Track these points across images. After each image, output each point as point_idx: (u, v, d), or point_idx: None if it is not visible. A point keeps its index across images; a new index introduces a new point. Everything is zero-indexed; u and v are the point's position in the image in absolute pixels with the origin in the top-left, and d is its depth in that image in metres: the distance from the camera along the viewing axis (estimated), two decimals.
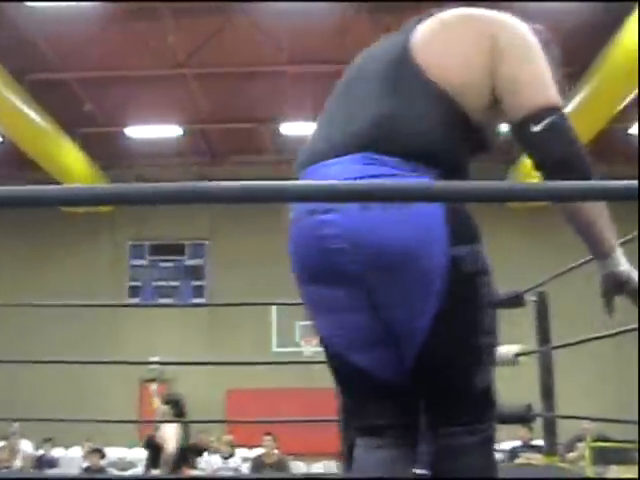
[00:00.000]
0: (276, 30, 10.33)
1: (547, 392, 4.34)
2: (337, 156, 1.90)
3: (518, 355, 3.82)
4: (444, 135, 1.91)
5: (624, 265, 1.99)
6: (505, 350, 3.76)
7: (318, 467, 10.54)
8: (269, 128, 13.34)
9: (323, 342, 2.05)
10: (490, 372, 1.94)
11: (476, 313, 1.89)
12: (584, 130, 10.30)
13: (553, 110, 1.90)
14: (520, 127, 1.92)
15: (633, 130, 13.22)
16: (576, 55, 9.46)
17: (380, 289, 1.87)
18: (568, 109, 9.88)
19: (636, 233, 2.92)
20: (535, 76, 1.94)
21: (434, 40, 1.99)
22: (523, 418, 4.19)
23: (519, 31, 2.00)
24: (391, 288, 1.85)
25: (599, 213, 1.93)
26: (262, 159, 14.35)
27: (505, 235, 13.57)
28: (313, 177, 1.93)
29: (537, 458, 5.38)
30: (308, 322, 2.08)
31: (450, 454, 1.88)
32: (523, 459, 8.52)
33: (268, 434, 9.39)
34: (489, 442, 1.93)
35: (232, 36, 10.53)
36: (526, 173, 11.81)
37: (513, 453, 9.28)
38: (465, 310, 1.88)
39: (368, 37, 2.30)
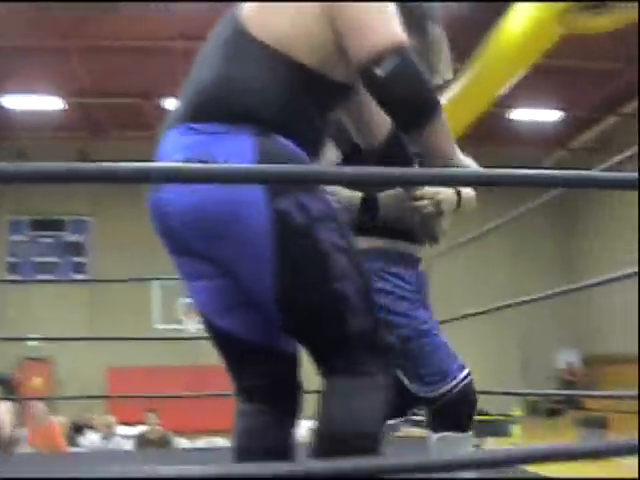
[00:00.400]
0: (166, 5, 10.15)
1: None
2: (173, 127, 1.91)
3: None
4: (280, 93, 1.87)
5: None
6: None
7: (201, 443, 10.51)
8: (155, 104, 13.12)
9: (198, 310, 2.06)
10: (370, 316, 1.85)
11: (322, 261, 1.82)
12: (467, 113, 10.53)
13: (397, 52, 1.83)
14: (364, 71, 1.85)
15: (514, 115, 13.67)
16: (459, 39, 9.64)
17: (221, 258, 1.87)
18: (451, 92, 10.11)
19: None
20: (377, 18, 1.86)
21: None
22: None
23: None
24: (228, 256, 1.85)
25: (446, 140, 1.99)
26: (147, 135, 14.08)
27: None
28: (160, 148, 1.93)
29: (416, 432, 5.52)
30: (190, 299, 2.09)
31: (327, 400, 1.84)
32: (402, 432, 8.73)
33: (151, 411, 9.31)
34: (372, 388, 1.83)
35: (119, 10, 10.29)
36: None
37: (394, 427, 9.50)
38: (306, 261, 1.82)
39: None
